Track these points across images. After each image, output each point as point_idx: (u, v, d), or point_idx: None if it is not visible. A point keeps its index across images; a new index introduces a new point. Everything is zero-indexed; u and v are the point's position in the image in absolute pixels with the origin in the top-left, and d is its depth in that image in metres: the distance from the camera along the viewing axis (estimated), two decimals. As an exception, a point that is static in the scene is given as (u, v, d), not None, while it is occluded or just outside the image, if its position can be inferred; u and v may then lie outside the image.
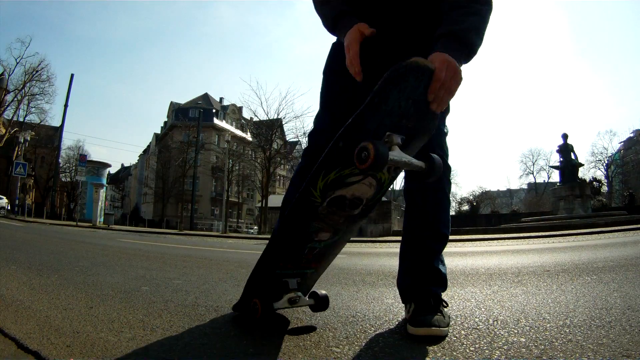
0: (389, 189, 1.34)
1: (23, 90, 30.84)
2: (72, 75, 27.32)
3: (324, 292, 1.37)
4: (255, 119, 25.82)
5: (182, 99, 46.33)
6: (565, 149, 17.01)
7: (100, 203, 22.95)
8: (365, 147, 0.93)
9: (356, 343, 1.11)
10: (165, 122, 47.15)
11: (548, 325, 1.26)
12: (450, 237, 1.40)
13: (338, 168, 1.06)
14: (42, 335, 1.13)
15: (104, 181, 29.10)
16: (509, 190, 49.03)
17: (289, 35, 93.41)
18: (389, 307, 1.57)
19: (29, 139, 25.52)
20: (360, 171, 1.03)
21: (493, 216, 25.90)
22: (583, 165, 20.90)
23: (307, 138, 1.50)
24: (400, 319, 1.36)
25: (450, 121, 1.41)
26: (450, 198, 1.44)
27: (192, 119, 35.64)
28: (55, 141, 32.83)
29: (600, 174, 37.54)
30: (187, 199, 32.63)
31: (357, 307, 1.59)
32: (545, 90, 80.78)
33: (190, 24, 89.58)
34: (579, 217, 14.36)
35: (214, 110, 42.30)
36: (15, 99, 30.93)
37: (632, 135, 38.70)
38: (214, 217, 39.76)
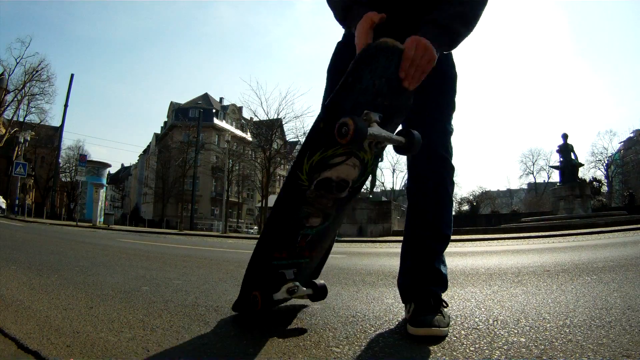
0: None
1: (23, 90, 30.83)
2: (72, 75, 27.36)
3: (322, 281, 1.37)
4: (255, 119, 25.80)
5: (182, 99, 46.37)
6: (565, 149, 17.01)
7: (100, 203, 22.97)
8: (345, 122, 0.97)
9: (356, 343, 1.11)
10: (165, 122, 47.15)
11: (548, 325, 1.26)
12: (451, 237, 1.40)
13: (321, 149, 1.10)
14: (42, 335, 1.13)
15: (104, 181, 29.12)
16: (509, 190, 49.00)
17: (289, 35, 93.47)
18: (389, 307, 1.57)
19: (29, 139, 25.53)
20: (342, 146, 1.07)
21: (493, 216, 25.90)
22: (583, 165, 20.90)
23: None
24: (400, 319, 1.36)
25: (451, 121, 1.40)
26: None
27: (192, 119, 35.63)
28: (55, 141, 32.84)
29: (600, 174, 37.57)
30: (187, 199, 32.63)
31: (357, 307, 1.59)
32: (545, 90, 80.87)
33: (190, 24, 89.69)
34: (579, 217, 14.36)
35: (214, 110, 42.30)
36: (15, 99, 30.93)
37: (632, 135, 38.70)
38: (214, 217, 39.76)
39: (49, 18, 69.69)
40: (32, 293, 1.76)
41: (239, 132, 42.17)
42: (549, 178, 41.88)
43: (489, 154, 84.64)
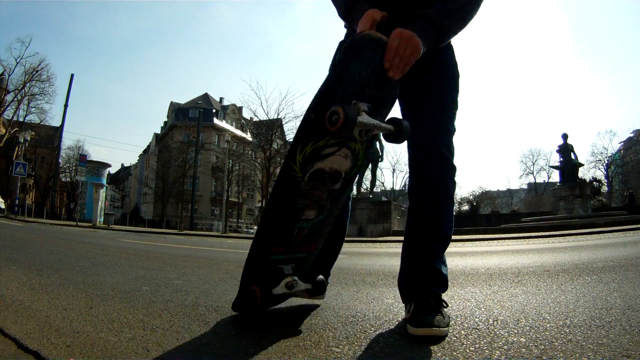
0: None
1: (23, 90, 30.82)
2: (72, 75, 27.38)
3: (320, 276, 1.37)
4: (255, 119, 25.85)
5: (182, 99, 46.34)
6: (565, 149, 17.01)
7: (100, 203, 22.97)
8: (335, 110, 1.01)
9: (356, 343, 1.12)
10: (165, 122, 47.14)
11: (548, 325, 1.26)
12: (452, 238, 1.40)
13: (313, 140, 1.13)
14: (42, 335, 1.13)
15: (104, 181, 29.12)
16: (509, 190, 48.98)
17: (289, 35, 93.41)
18: (389, 307, 1.57)
19: (29, 139, 25.52)
20: (333, 137, 1.10)
21: (493, 216, 25.90)
22: (583, 165, 20.90)
23: None
24: (400, 319, 1.36)
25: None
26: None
27: (192, 119, 35.63)
28: (55, 141, 32.84)
29: (600, 174, 37.54)
30: (187, 199, 32.63)
31: (357, 307, 1.59)
32: (545, 90, 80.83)
33: (190, 24, 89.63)
34: (579, 217, 14.35)
35: (214, 110, 42.29)
36: (15, 99, 30.92)
37: (632, 135, 38.69)
38: (214, 217, 39.74)
39: (49, 18, 69.75)
40: (32, 293, 1.76)
41: (239, 132, 42.15)
42: (549, 178, 41.89)
43: (489, 154, 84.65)
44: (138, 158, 53.55)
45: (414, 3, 1.25)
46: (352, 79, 1.09)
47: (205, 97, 45.07)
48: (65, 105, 26.83)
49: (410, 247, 1.36)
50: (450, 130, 1.35)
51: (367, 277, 2.57)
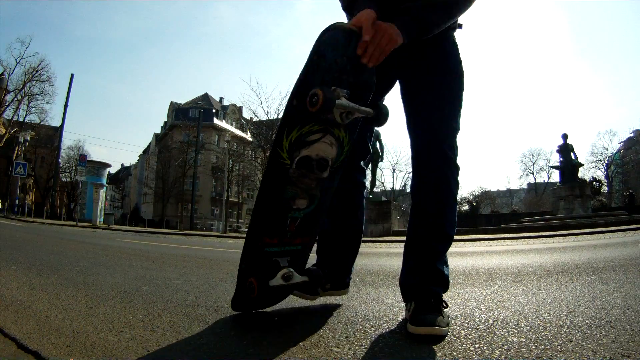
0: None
1: (23, 90, 30.80)
2: (72, 75, 27.37)
3: (318, 269, 1.37)
4: (255, 119, 25.84)
5: (182, 99, 46.33)
6: (565, 149, 17.00)
7: (100, 203, 22.98)
8: (315, 92, 1.07)
9: (356, 343, 1.11)
10: (165, 122, 47.14)
11: (548, 325, 1.26)
12: (454, 238, 1.39)
13: (298, 126, 1.17)
14: (42, 335, 1.13)
15: (104, 181, 29.11)
16: (509, 190, 48.97)
17: (289, 35, 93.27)
18: (389, 307, 1.57)
19: (29, 139, 25.52)
20: (316, 122, 1.15)
21: (493, 216, 25.88)
22: (583, 165, 20.89)
23: None
24: (400, 319, 1.36)
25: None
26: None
27: (192, 119, 35.61)
28: (55, 141, 32.83)
29: (600, 174, 37.51)
30: (187, 199, 32.63)
31: (357, 307, 1.59)
32: (545, 90, 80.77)
33: (190, 24, 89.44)
34: (579, 217, 14.35)
35: (214, 110, 42.28)
36: (15, 99, 30.90)
37: (632, 135, 38.67)
38: (214, 217, 39.74)
39: (49, 18, 69.58)
40: (32, 293, 1.76)
41: (239, 132, 42.14)
42: (549, 178, 41.87)
43: (489, 154, 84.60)
44: (138, 158, 53.55)
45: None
46: (329, 66, 1.15)
47: (205, 97, 45.06)
48: (65, 105, 26.87)
49: (412, 246, 1.35)
50: (455, 129, 1.35)
51: (367, 277, 2.56)
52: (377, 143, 13.24)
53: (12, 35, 58.08)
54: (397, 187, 41.29)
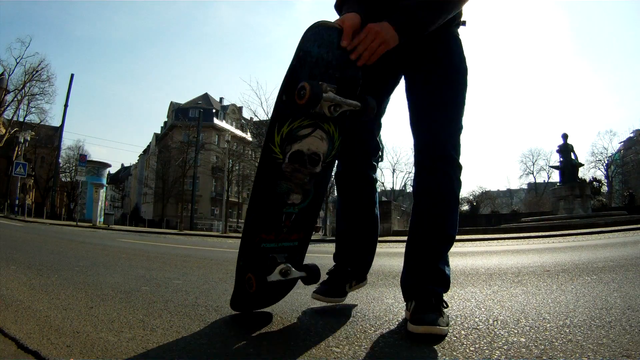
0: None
1: (23, 90, 30.78)
2: (72, 75, 27.37)
3: (315, 264, 1.38)
4: (255, 119, 25.81)
5: (182, 99, 46.30)
6: (565, 149, 17.01)
7: (100, 203, 22.98)
8: (302, 86, 1.11)
9: (356, 343, 1.11)
10: (165, 122, 47.12)
11: (548, 325, 1.26)
12: (455, 238, 1.39)
13: (288, 120, 1.20)
14: (42, 335, 1.13)
15: (104, 181, 29.13)
16: (509, 190, 48.94)
17: (289, 35, 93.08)
18: (389, 307, 1.57)
19: (29, 139, 25.51)
20: (303, 109, 1.16)
21: (493, 216, 25.88)
22: (583, 165, 20.90)
23: None
24: (400, 319, 1.36)
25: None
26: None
27: (192, 119, 35.59)
28: (55, 141, 32.81)
29: (600, 174, 37.49)
30: (187, 199, 32.60)
31: (357, 307, 1.58)
32: (545, 90, 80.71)
33: (190, 24, 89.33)
34: (579, 217, 14.35)
35: (214, 110, 42.26)
36: (15, 99, 30.89)
37: (632, 135, 38.64)
38: (214, 217, 39.74)
39: (49, 18, 69.46)
40: (32, 293, 1.76)
41: (239, 132, 42.14)
42: (549, 178, 41.85)
43: (489, 154, 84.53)
44: (138, 158, 53.53)
45: None
46: (315, 61, 1.19)
47: (205, 97, 45.04)
48: (65, 105, 26.86)
49: (414, 246, 1.35)
50: (458, 128, 1.34)
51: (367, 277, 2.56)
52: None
53: (12, 35, 58.04)
54: (397, 187, 41.30)
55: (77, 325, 1.24)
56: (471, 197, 35.13)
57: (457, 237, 1.39)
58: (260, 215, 1.27)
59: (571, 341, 1.09)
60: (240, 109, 43.41)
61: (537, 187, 43.43)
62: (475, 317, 1.38)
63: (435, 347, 1.06)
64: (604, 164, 38.60)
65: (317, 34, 1.19)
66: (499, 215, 25.91)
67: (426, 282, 1.26)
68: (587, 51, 73.95)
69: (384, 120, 1.54)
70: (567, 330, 1.19)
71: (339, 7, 1.40)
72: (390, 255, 4.73)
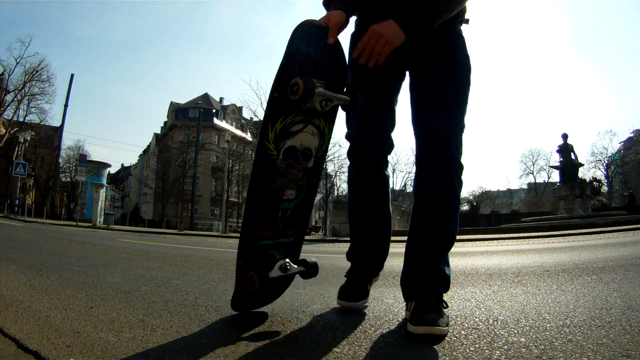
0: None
1: (23, 90, 30.75)
2: (72, 75, 27.35)
3: (313, 259, 1.39)
4: (255, 119, 25.81)
5: (182, 99, 46.27)
6: (565, 149, 17.02)
7: (100, 203, 22.98)
8: (296, 82, 1.14)
9: (356, 343, 1.11)
10: (165, 122, 47.11)
11: (548, 325, 1.26)
12: (456, 238, 1.39)
13: (281, 117, 1.23)
14: (42, 335, 1.13)
15: (104, 181, 29.14)
16: (509, 190, 48.94)
17: (288, 35, 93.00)
18: (389, 307, 1.57)
19: (29, 139, 25.50)
20: (296, 105, 1.19)
21: (493, 216, 25.92)
22: (583, 165, 20.91)
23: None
24: (400, 319, 1.36)
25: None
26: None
27: (192, 119, 35.56)
28: (55, 141, 32.80)
29: (600, 174, 37.47)
30: (187, 199, 32.58)
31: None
32: (545, 90, 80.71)
33: (190, 24, 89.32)
34: (579, 217, 14.35)
35: (214, 110, 42.24)
36: (15, 99, 30.86)
37: (632, 135, 38.63)
38: (214, 217, 39.73)
39: (49, 18, 69.47)
40: (32, 293, 1.76)
41: (239, 132, 42.09)
42: (549, 178, 41.84)
43: (489, 154, 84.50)
44: (138, 158, 53.51)
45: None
46: (305, 59, 1.23)
47: (205, 97, 45.03)
48: (65, 105, 26.84)
49: (414, 246, 1.35)
50: (461, 127, 1.34)
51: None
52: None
53: (12, 35, 58.06)
54: (397, 187, 41.23)
55: (77, 325, 1.24)
56: (471, 197, 35.15)
57: (457, 237, 1.39)
58: (257, 213, 1.29)
59: (571, 341, 1.09)
60: (240, 109, 43.38)
61: (537, 187, 43.43)
62: (475, 317, 1.38)
63: (435, 347, 1.06)
64: (604, 164, 38.61)
65: (304, 32, 1.23)
66: (499, 215, 25.94)
67: (426, 282, 1.26)
68: (587, 51, 74.01)
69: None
70: (567, 330, 1.19)
71: (326, 4, 1.41)
72: (390, 255, 4.71)
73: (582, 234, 9.08)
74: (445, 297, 1.32)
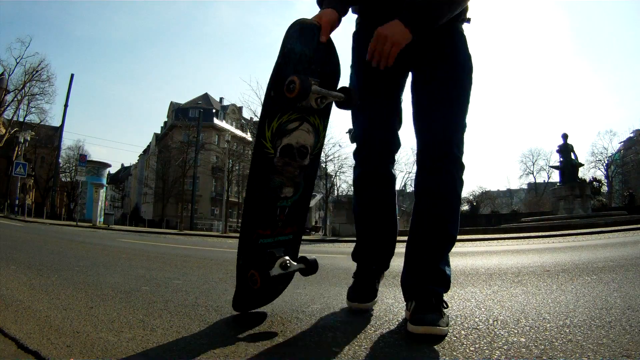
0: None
1: (23, 90, 30.72)
2: (72, 75, 27.37)
3: (313, 256, 1.39)
4: (255, 119, 25.80)
5: (182, 99, 46.23)
6: (565, 149, 17.01)
7: (100, 203, 22.99)
8: (292, 80, 1.15)
9: (356, 343, 1.11)
10: (165, 122, 47.10)
11: (548, 325, 1.26)
12: (457, 238, 1.38)
13: (277, 115, 1.25)
14: (42, 335, 1.13)
15: (104, 181, 29.16)
16: (509, 190, 48.92)
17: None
18: (389, 307, 1.57)
19: (29, 139, 25.49)
20: (292, 103, 1.21)
21: (493, 216, 25.90)
22: (583, 165, 20.90)
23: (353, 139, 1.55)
24: (400, 319, 1.36)
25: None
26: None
27: (192, 119, 35.55)
28: (55, 141, 32.79)
29: (600, 174, 37.43)
30: (187, 199, 32.57)
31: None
32: (545, 90, 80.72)
33: (190, 24, 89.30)
34: (579, 217, 14.35)
35: (214, 110, 42.23)
36: (15, 99, 30.83)
37: (632, 135, 38.60)
38: (214, 217, 39.72)
39: (49, 18, 69.42)
40: (32, 293, 1.76)
41: (239, 132, 42.08)
42: (549, 178, 41.80)
43: (489, 154, 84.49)
44: (138, 158, 53.49)
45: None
46: (299, 57, 1.25)
47: (205, 97, 45.02)
48: (65, 105, 26.87)
49: (415, 246, 1.34)
50: (463, 127, 1.34)
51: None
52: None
53: (12, 35, 57.97)
54: (397, 187, 41.19)
55: (77, 325, 1.24)
56: (471, 197, 35.13)
57: (457, 237, 1.38)
58: (256, 211, 1.30)
59: (571, 341, 1.09)
60: (240, 109, 43.36)
61: (537, 187, 43.40)
62: (475, 317, 1.38)
63: (435, 347, 1.06)
64: (604, 164, 38.58)
65: (298, 31, 1.24)
66: (499, 215, 25.93)
67: (427, 282, 1.26)
68: (587, 51, 74.01)
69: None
70: (567, 330, 1.19)
71: (320, 3, 1.41)
72: (390, 255, 4.72)
73: (582, 234, 9.08)
74: (445, 297, 1.32)
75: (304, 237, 1.53)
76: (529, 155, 43.97)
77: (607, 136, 58.58)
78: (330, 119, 1.40)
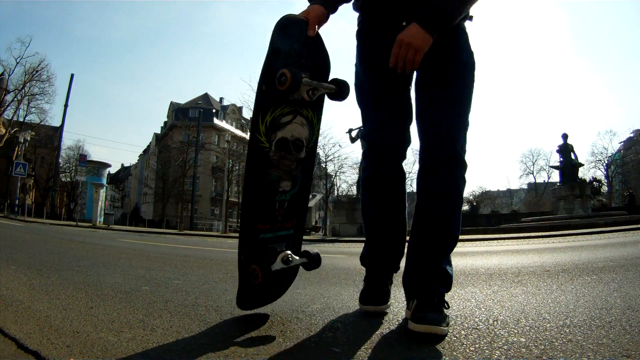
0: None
1: (23, 90, 30.73)
2: (72, 75, 27.39)
3: (315, 250, 1.39)
4: (255, 119, 25.76)
5: (182, 99, 46.24)
6: (565, 149, 17.01)
7: (100, 203, 23.00)
8: (283, 72, 1.18)
9: (356, 343, 1.11)
10: (165, 122, 47.09)
11: (548, 325, 1.26)
12: (459, 238, 1.37)
13: (270, 109, 1.26)
14: (42, 335, 1.13)
15: (104, 181, 29.16)
16: (509, 190, 48.91)
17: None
18: (389, 307, 1.57)
19: (29, 139, 25.51)
20: (283, 95, 1.23)
21: (493, 216, 25.89)
22: (583, 165, 20.90)
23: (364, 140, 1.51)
24: (400, 319, 1.36)
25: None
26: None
27: (192, 119, 35.55)
28: (55, 141, 32.80)
29: (600, 174, 37.43)
30: (187, 199, 32.56)
31: (357, 306, 1.58)
32: (545, 90, 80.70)
33: (190, 24, 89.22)
34: (579, 217, 14.35)
35: (214, 110, 42.22)
36: (15, 99, 30.84)
37: (632, 135, 38.58)
38: (214, 217, 39.72)
39: (49, 18, 69.38)
40: (32, 293, 1.76)
41: (239, 132, 42.09)
42: (549, 178, 41.80)
43: (489, 154, 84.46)
44: (138, 158, 53.48)
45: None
46: (288, 52, 1.27)
47: (205, 97, 45.01)
48: (65, 105, 26.89)
49: (417, 245, 1.34)
50: (465, 126, 1.33)
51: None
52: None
53: (12, 35, 57.99)
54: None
55: (77, 325, 1.24)
56: (471, 197, 35.10)
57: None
58: (254, 206, 1.30)
59: (571, 341, 1.09)
60: (240, 109, 43.37)
61: (537, 187, 43.40)
62: (475, 317, 1.38)
63: (435, 346, 1.06)
64: (604, 164, 38.57)
65: (286, 27, 1.27)
66: (499, 215, 25.92)
67: (429, 281, 1.25)
68: (587, 51, 73.98)
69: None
70: (567, 330, 1.19)
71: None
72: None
73: (582, 234, 9.09)
74: (446, 297, 1.32)
75: (304, 238, 1.52)
76: (529, 155, 44.00)
77: (607, 136, 58.53)
78: (325, 116, 1.42)
